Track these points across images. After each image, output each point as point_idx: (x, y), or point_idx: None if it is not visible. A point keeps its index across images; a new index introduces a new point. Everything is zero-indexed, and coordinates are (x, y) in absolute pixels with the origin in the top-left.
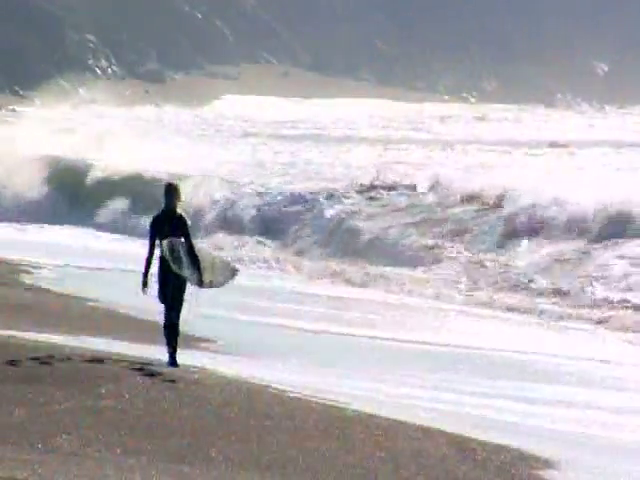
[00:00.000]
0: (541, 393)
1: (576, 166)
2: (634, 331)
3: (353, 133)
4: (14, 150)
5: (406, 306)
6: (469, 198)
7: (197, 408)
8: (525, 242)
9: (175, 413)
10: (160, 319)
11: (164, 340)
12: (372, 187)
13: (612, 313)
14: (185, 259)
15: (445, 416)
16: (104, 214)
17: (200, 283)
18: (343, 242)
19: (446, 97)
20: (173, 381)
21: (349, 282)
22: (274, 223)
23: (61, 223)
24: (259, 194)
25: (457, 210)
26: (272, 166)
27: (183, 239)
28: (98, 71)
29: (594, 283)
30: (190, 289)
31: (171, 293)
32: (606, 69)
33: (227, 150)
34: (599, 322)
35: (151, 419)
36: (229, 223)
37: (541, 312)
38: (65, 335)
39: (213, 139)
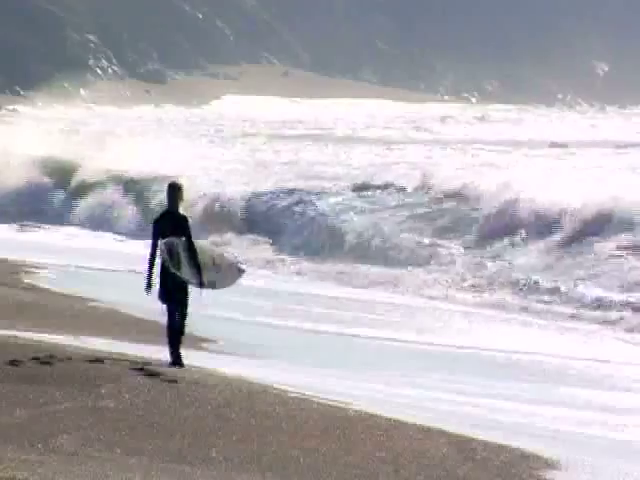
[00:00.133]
0: (541, 393)
1: (572, 166)
2: (634, 331)
3: (353, 133)
4: (7, 150)
5: (405, 306)
6: (456, 197)
7: (197, 408)
8: (509, 240)
9: (175, 413)
10: (162, 319)
11: (165, 340)
12: (364, 187)
13: (612, 313)
14: (184, 259)
15: (445, 416)
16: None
17: (200, 284)
18: (331, 241)
19: (446, 97)
20: (173, 381)
21: (346, 282)
22: (263, 221)
23: (47, 222)
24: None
25: (445, 208)
26: (272, 166)
27: (184, 238)
28: (98, 71)
29: (592, 282)
30: (193, 289)
31: (173, 294)
32: (606, 69)
33: (227, 150)
34: (599, 322)
35: (151, 419)
36: (218, 222)
37: (540, 311)
38: (65, 335)
39: (213, 139)
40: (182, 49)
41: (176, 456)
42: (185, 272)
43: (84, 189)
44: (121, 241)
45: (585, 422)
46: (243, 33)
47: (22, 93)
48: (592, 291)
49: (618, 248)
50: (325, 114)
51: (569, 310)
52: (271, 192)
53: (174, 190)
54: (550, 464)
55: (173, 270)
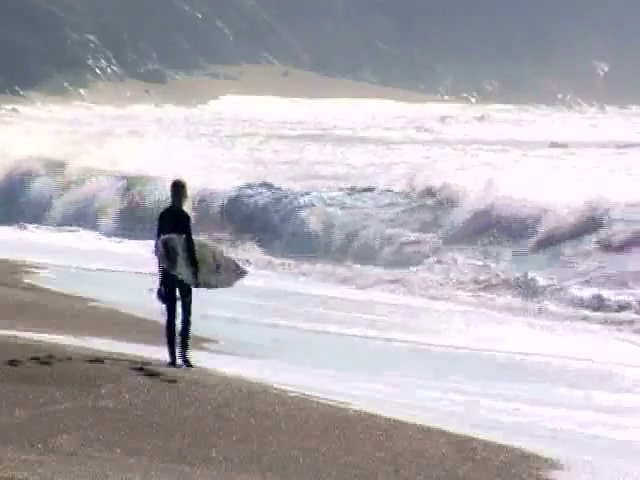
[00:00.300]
0: (541, 393)
1: (572, 166)
2: (634, 331)
3: (353, 133)
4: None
5: (403, 306)
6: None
7: (197, 408)
8: (492, 240)
9: (175, 413)
10: (163, 319)
11: (165, 340)
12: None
13: (611, 313)
14: (181, 257)
15: (445, 416)
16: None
17: (196, 283)
18: (319, 241)
19: (446, 97)
20: (173, 381)
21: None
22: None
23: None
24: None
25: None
26: (270, 165)
27: (184, 236)
28: (98, 71)
29: (590, 282)
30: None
31: (173, 293)
32: (606, 69)
33: (227, 150)
34: (599, 322)
35: (151, 419)
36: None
37: (540, 311)
38: (65, 335)
39: (211, 139)
40: (182, 49)
41: (176, 456)
42: (181, 271)
43: (71, 188)
44: (119, 242)
45: (585, 422)
46: (243, 33)
47: (22, 93)
48: (591, 291)
49: (606, 246)
50: (325, 114)
51: (569, 310)
52: (260, 190)
53: (177, 188)
54: (550, 464)
55: (166, 268)
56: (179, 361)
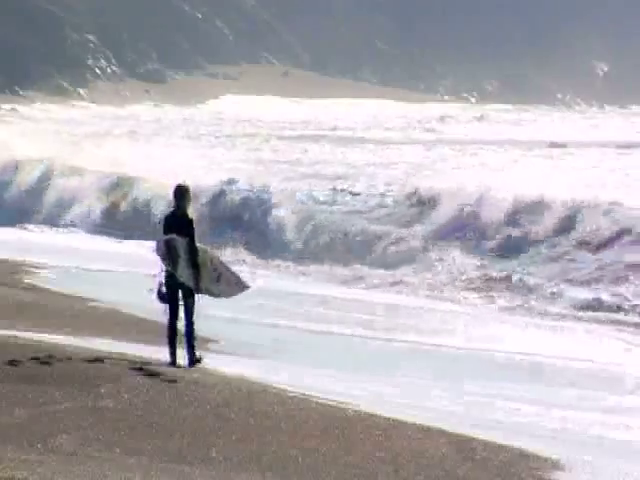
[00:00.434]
0: (541, 393)
1: (566, 166)
2: (634, 331)
3: (353, 133)
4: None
5: (402, 306)
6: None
7: (197, 408)
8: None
9: (175, 413)
10: (163, 320)
11: (165, 340)
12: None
13: (611, 313)
14: (183, 259)
15: (445, 416)
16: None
17: (197, 287)
18: (301, 242)
19: (446, 97)
20: (173, 381)
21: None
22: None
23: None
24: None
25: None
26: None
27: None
28: (98, 71)
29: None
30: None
31: (176, 294)
32: (606, 69)
33: (227, 150)
34: (598, 322)
35: (151, 419)
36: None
37: (540, 312)
38: (65, 335)
39: (209, 139)
40: (181, 49)
41: (175, 456)
42: (182, 273)
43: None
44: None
45: (585, 422)
46: (243, 33)
47: (21, 93)
48: (590, 291)
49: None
50: (325, 114)
51: (569, 310)
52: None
53: (181, 192)
54: (550, 464)
55: (168, 268)
56: (183, 362)
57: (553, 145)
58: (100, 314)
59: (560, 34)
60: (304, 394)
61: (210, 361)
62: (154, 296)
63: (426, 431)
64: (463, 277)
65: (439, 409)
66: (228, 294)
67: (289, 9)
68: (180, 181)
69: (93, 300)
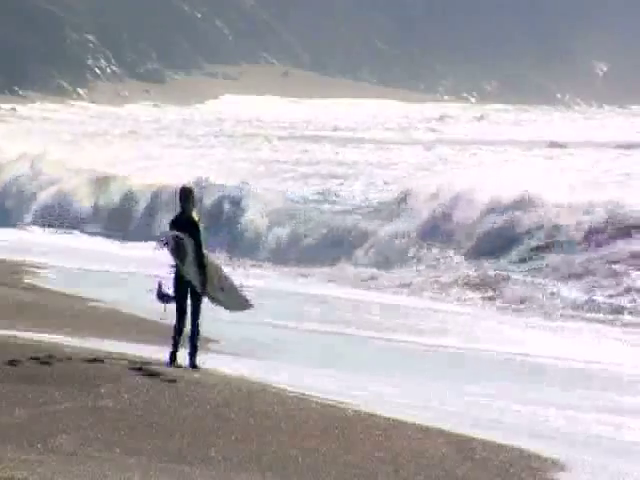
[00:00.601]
0: (541, 393)
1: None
2: (634, 331)
3: (353, 133)
4: None
5: (401, 307)
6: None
7: (196, 408)
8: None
9: (175, 413)
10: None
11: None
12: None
13: (610, 314)
14: (190, 259)
15: (444, 416)
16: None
17: (203, 289)
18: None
19: (446, 97)
20: (173, 381)
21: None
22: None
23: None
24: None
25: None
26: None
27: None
28: (97, 71)
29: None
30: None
31: (185, 292)
32: (605, 69)
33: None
34: (597, 321)
35: (150, 419)
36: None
37: (540, 312)
38: (65, 335)
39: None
40: (181, 49)
41: (175, 456)
42: (189, 270)
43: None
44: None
45: (585, 422)
46: (242, 33)
47: (21, 93)
48: (590, 291)
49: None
50: (325, 114)
51: (568, 310)
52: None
53: (186, 194)
54: (550, 464)
55: (177, 262)
56: (185, 362)
57: (553, 145)
58: (100, 314)
59: (560, 34)
60: (304, 394)
61: (211, 361)
62: (153, 296)
63: (426, 431)
64: (461, 277)
65: (439, 409)
66: (232, 308)
67: (289, 9)
68: (185, 183)
69: (93, 300)
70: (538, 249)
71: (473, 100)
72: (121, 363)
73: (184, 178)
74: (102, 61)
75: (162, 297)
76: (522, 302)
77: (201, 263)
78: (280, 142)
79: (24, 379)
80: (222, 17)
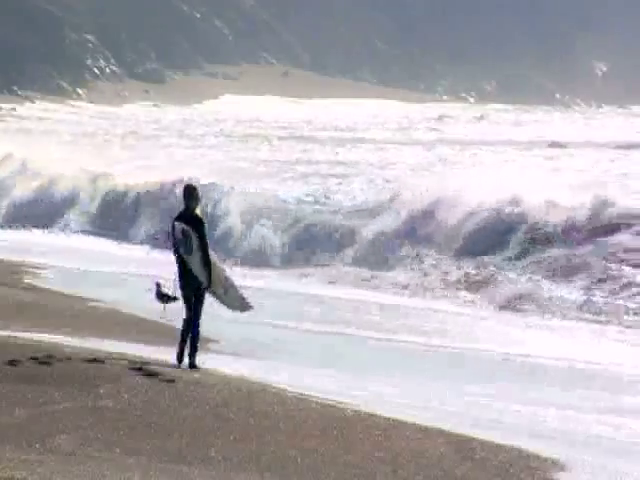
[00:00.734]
0: (541, 393)
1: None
2: (634, 331)
3: (353, 133)
4: None
5: (400, 307)
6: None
7: (196, 408)
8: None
9: (174, 413)
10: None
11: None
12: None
13: (609, 313)
14: (196, 253)
15: (444, 416)
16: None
17: (208, 283)
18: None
19: (445, 97)
20: (172, 381)
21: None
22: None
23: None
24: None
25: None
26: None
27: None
28: (97, 71)
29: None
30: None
31: (191, 290)
32: (605, 69)
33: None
34: (597, 322)
35: (150, 419)
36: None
37: (539, 312)
38: (65, 335)
39: (209, 139)
40: (181, 49)
41: (175, 456)
42: (194, 262)
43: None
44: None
45: (585, 422)
46: (242, 33)
47: (20, 93)
48: (589, 291)
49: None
50: (325, 114)
51: (568, 310)
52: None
53: (189, 191)
54: (550, 464)
55: (183, 253)
56: (185, 360)
57: (553, 145)
58: (100, 314)
59: (559, 34)
60: (303, 394)
61: (211, 361)
62: (153, 296)
63: (425, 431)
64: (460, 277)
65: (439, 409)
66: (233, 307)
67: (289, 9)
68: (188, 181)
69: (93, 300)
70: (535, 247)
71: (473, 100)
72: (121, 363)
73: (177, 177)
74: (101, 61)
75: (161, 297)
76: (522, 302)
77: (207, 259)
78: (280, 142)
79: (24, 379)
80: (222, 17)
